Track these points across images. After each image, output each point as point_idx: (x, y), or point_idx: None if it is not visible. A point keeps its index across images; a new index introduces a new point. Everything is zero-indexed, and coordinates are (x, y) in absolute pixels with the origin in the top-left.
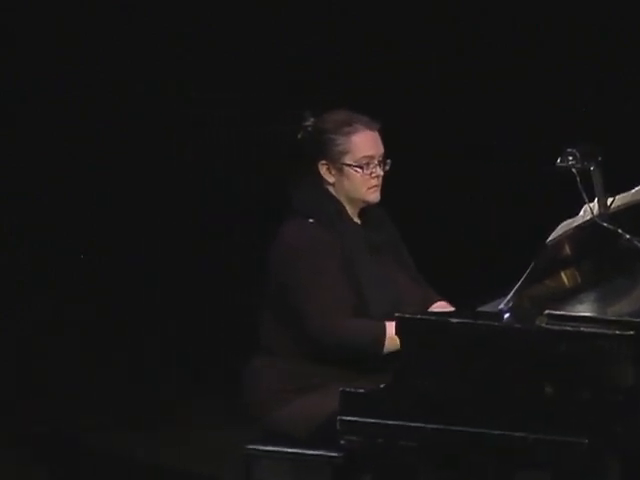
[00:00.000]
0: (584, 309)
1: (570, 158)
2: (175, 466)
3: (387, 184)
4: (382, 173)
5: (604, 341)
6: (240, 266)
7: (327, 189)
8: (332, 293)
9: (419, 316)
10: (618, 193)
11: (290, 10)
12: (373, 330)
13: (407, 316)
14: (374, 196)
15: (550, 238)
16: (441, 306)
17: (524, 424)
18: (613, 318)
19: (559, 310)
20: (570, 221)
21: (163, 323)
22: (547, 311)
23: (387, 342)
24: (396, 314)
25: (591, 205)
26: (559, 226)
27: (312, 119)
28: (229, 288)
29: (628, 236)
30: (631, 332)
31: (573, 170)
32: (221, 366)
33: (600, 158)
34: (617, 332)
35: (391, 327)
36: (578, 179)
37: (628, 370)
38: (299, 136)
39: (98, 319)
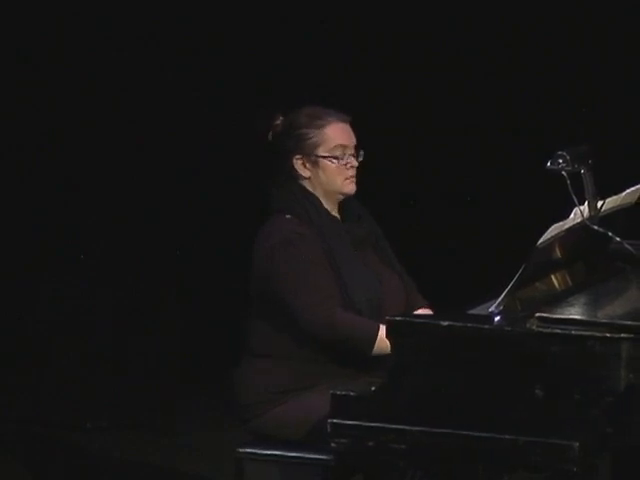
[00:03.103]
0: (575, 312)
1: (561, 161)
2: (173, 466)
3: (381, 184)
4: (356, 164)
5: (595, 344)
6: (238, 266)
7: (303, 185)
8: (316, 287)
9: (409, 318)
10: (609, 196)
11: (288, 10)
12: (367, 328)
13: (398, 318)
14: (350, 187)
15: (541, 241)
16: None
17: (515, 427)
18: (603, 321)
19: (550, 313)
20: (561, 224)
21: (163, 323)
22: (538, 314)
23: (377, 344)
24: (387, 317)
25: (582, 208)
26: (550, 229)
27: (281, 118)
28: (227, 288)
29: (618, 239)
30: (621, 335)
31: (563, 173)
32: (220, 367)
33: (591, 161)
34: (607, 335)
35: (383, 330)
36: (568, 182)
37: (618, 372)
38: (269, 136)
39: (98, 319)
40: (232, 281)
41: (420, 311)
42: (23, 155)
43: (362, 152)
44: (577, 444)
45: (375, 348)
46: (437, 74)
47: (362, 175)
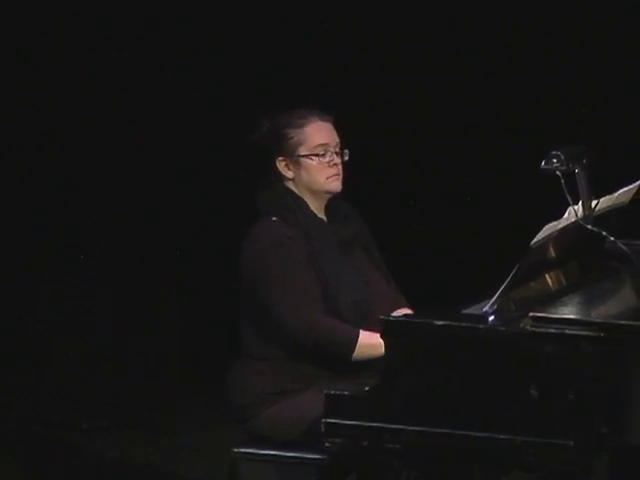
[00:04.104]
0: (569, 311)
1: (555, 160)
2: (173, 466)
3: (381, 184)
4: (339, 161)
5: (589, 343)
6: (237, 266)
7: (288, 187)
8: (303, 289)
9: (404, 318)
10: (603, 195)
11: (288, 10)
12: (347, 334)
13: (391, 318)
14: (335, 185)
15: (535, 240)
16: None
17: (510, 426)
18: (598, 320)
19: (544, 312)
20: (555, 223)
21: (163, 323)
22: (532, 313)
23: (357, 350)
24: (381, 316)
25: (576, 207)
26: (543, 228)
27: (267, 125)
28: (227, 288)
29: (612, 238)
30: (615, 334)
31: (558, 172)
32: (220, 367)
33: (585, 160)
34: (602, 334)
35: (365, 336)
36: (563, 181)
37: (613, 372)
38: (254, 139)
39: (98, 319)
40: (232, 281)
41: (399, 311)
42: (23, 155)
43: (347, 151)
44: (572, 443)
45: (355, 353)
46: (437, 74)
47: (361, 175)
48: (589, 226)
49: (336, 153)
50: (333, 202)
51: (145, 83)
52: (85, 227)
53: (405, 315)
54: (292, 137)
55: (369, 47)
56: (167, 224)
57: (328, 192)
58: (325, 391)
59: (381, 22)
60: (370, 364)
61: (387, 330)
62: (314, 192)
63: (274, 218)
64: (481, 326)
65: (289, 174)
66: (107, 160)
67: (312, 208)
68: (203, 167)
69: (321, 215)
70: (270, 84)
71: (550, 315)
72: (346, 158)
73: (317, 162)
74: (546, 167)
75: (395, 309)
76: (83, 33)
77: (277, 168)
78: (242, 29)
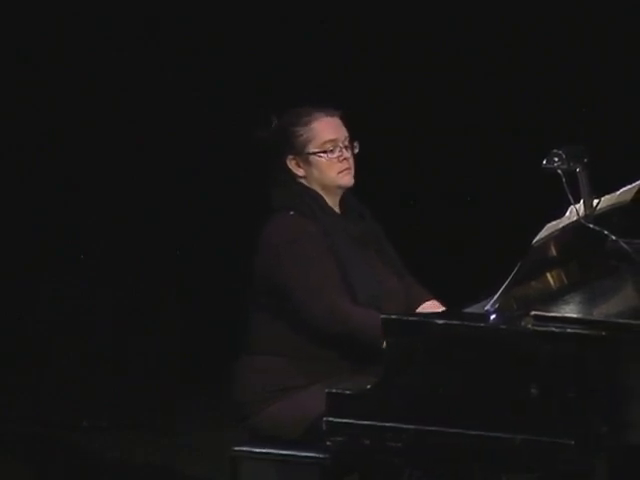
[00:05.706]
0: (570, 310)
1: (556, 159)
2: (173, 466)
3: (381, 184)
4: (350, 156)
5: (590, 342)
6: (238, 266)
7: (302, 183)
8: (323, 279)
9: (405, 317)
10: (604, 194)
11: (288, 10)
12: (370, 315)
13: (393, 317)
14: (347, 179)
15: (536, 239)
16: (432, 305)
17: (511, 425)
18: (599, 319)
19: (545, 311)
20: (556, 222)
21: (163, 323)
22: (533, 312)
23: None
24: (382, 315)
25: (577, 206)
26: (545, 227)
27: (276, 122)
28: (227, 288)
29: (614, 237)
30: (616, 333)
31: (559, 171)
32: (220, 367)
33: (586, 159)
34: (603, 333)
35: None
36: (564, 180)
37: (613, 371)
38: (264, 136)
39: (98, 319)
40: (232, 281)
41: (427, 304)
42: (23, 155)
43: (357, 144)
44: (573, 443)
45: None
46: (437, 74)
47: (362, 175)
48: (590, 225)
49: (345, 147)
50: (347, 199)
51: (145, 83)
52: (85, 227)
53: (406, 314)
54: (300, 135)
55: (369, 47)
56: (167, 224)
57: (340, 187)
58: (327, 390)
59: (381, 22)
60: (373, 361)
61: (388, 329)
62: (326, 188)
63: (291, 212)
64: (482, 325)
65: (300, 172)
66: (107, 160)
67: (328, 202)
68: (203, 167)
69: (336, 209)
70: (270, 84)
71: (551, 314)
72: (356, 151)
73: (326, 158)
74: (547, 166)
75: (415, 301)
76: (83, 33)
77: (287, 167)
78: (242, 29)
